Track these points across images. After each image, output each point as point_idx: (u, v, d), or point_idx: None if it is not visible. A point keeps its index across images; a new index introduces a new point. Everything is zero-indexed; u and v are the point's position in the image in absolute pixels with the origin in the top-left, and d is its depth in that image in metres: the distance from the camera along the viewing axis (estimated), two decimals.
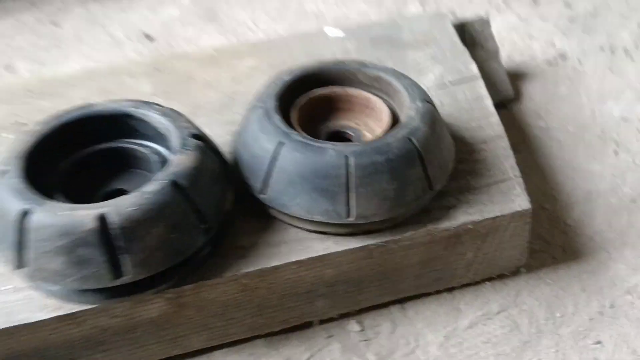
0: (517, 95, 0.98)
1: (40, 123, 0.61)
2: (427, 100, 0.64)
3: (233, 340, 0.65)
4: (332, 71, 0.69)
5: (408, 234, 0.61)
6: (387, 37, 0.88)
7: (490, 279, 0.70)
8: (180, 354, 0.64)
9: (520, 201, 0.65)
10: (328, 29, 0.93)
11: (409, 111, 0.62)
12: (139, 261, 0.53)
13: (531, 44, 1.11)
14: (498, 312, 0.68)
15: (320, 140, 0.60)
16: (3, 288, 0.58)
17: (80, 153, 0.63)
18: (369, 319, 0.68)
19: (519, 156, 0.82)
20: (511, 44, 1.11)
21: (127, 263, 0.53)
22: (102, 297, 0.56)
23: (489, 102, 0.77)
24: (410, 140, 0.59)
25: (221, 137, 0.71)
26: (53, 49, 1.15)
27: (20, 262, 0.54)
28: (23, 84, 0.85)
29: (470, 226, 0.63)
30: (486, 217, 0.63)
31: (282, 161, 0.59)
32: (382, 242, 0.61)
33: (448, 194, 0.65)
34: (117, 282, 0.53)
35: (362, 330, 0.67)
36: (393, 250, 0.62)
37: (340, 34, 0.92)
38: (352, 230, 0.61)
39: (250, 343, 0.66)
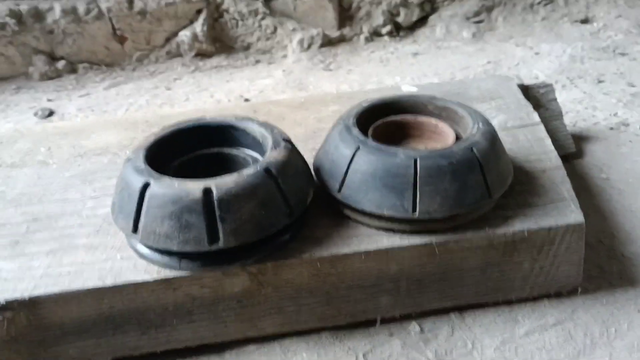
0: (580, 154, 1.04)
1: (162, 128, 0.74)
2: (488, 123, 0.73)
3: (303, 329, 0.71)
4: (405, 102, 0.79)
5: (468, 235, 0.68)
6: (455, 92, 0.99)
7: (547, 296, 0.74)
8: (254, 337, 0.71)
9: (574, 216, 0.70)
10: (404, 86, 1.05)
11: (471, 130, 0.71)
12: (231, 230, 0.62)
13: (595, 114, 1.18)
14: (554, 325, 0.71)
15: (391, 146, 0.69)
16: (117, 256, 0.68)
17: (189, 155, 0.75)
18: (429, 322, 0.73)
19: (580, 200, 0.88)
20: (575, 113, 1.19)
21: (222, 231, 0.62)
22: (197, 265, 0.65)
23: (548, 142, 0.85)
24: (471, 149, 0.67)
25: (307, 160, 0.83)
26: (165, 106, 1.33)
27: (136, 227, 0.64)
28: (142, 117, 1.00)
29: (525, 234, 0.68)
30: (541, 226, 0.69)
31: (357, 163, 0.68)
32: (443, 241, 0.67)
33: (507, 207, 0.72)
34: (213, 248, 0.62)
35: (421, 332, 0.72)
36: (453, 250, 0.68)
37: (413, 89, 1.04)
38: (417, 228, 0.68)
39: (318, 335, 0.72)
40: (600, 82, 1.30)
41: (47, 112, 1.34)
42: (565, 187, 0.75)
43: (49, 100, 1.40)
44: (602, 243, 0.83)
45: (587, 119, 1.17)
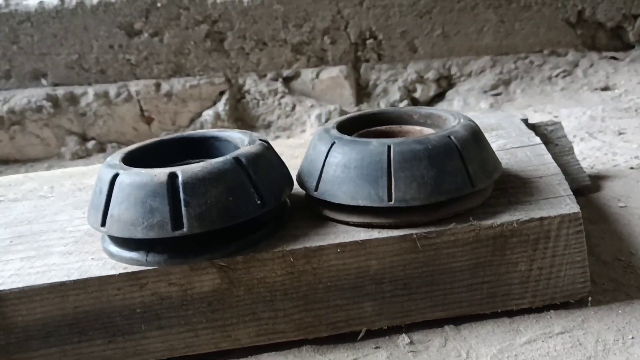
0: (597, 188, 0.99)
1: (145, 141, 0.76)
2: (471, 120, 0.70)
3: (281, 340, 0.66)
4: (390, 113, 0.78)
5: (450, 227, 0.63)
6: None
7: (554, 307, 0.67)
8: (229, 349, 0.66)
9: (569, 207, 0.65)
10: None
11: (452, 124, 0.69)
12: (196, 215, 0.60)
13: (614, 158, 1.13)
14: (560, 333, 0.63)
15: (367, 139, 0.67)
16: (89, 258, 0.66)
17: (169, 166, 0.75)
18: (420, 334, 0.66)
19: (596, 227, 0.83)
20: (594, 158, 1.15)
21: (187, 215, 0.60)
22: (164, 259, 0.63)
23: (548, 157, 0.81)
24: (449, 137, 0.65)
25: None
26: None
27: (104, 219, 0.63)
28: None
29: (515, 225, 0.63)
30: (532, 216, 0.64)
31: (332, 156, 0.66)
32: (424, 232, 0.63)
33: (497, 204, 0.67)
34: (177, 233, 0.60)
35: (411, 343, 0.65)
36: (438, 245, 0.63)
37: None
38: (396, 222, 0.64)
39: (298, 349, 0.66)
40: (621, 134, 1.26)
41: None
42: (562, 187, 0.70)
43: None
44: (619, 260, 0.76)
45: (606, 162, 1.12)
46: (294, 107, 1.58)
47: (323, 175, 0.67)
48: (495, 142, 0.88)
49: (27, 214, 0.83)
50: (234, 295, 0.64)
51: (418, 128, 0.76)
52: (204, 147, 0.76)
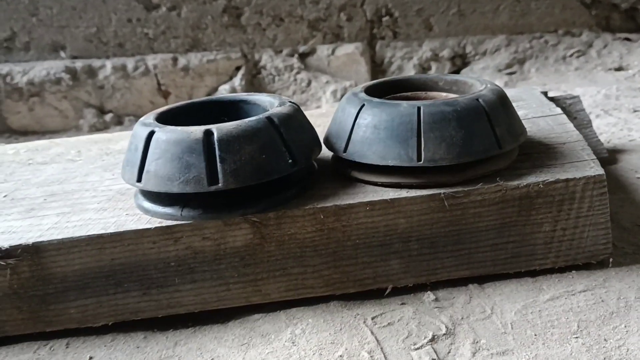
0: (614, 161, 1.00)
1: (177, 103, 0.77)
2: (497, 86, 0.72)
3: (310, 295, 0.68)
4: (416, 80, 0.80)
5: (478, 187, 0.65)
6: None
7: (575, 267, 0.68)
8: (259, 304, 0.68)
9: (594, 170, 0.66)
10: None
11: (479, 89, 0.70)
12: (231, 171, 0.62)
13: (630, 134, 1.14)
14: (583, 291, 0.65)
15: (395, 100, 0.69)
16: (123, 214, 0.68)
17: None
18: (445, 291, 0.68)
19: (615, 196, 0.84)
20: (610, 133, 1.16)
21: (222, 171, 0.62)
22: (198, 214, 0.64)
23: (570, 126, 0.82)
24: (477, 100, 0.66)
25: None
26: None
27: (140, 175, 0.65)
28: None
29: (541, 186, 0.65)
30: (557, 178, 0.65)
31: (362, 117, 0.68)
32: (452, 192, 0.65)
33: (523, 167, 0.69)
34: (212, 188, 0.62)
35: (436, 300, 0.67)
36: (465, 205, 0.65)
37: None
38: (425, 181, 0.66)
39: (326, 304, 0.68)
40: (635, 111, 1.27)
41: None
42: (585, 152, 0.72)
43: None
44: (638, 226, 0.77)
45: (622, 137, 1.13)
46: (309, 83, 1.59)
47: (352, 136, 0.68)
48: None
49: (58, 175, 0.85)
50: (265, 250, 0.66)
51: (444, 94, 0.77)
52: (233, 109, 0.77)
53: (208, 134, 0.63)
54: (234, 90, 1.58)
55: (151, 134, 0.65)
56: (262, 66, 1.61)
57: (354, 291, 0.68)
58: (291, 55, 1.62)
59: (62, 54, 1.56)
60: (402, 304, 0.67)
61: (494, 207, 0.66)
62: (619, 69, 1.61)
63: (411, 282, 0.68)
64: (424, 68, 1.64)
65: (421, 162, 0.64)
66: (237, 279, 0.67)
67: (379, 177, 0.67)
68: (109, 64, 1.56)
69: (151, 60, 1.57)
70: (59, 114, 1.57)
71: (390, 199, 0.65)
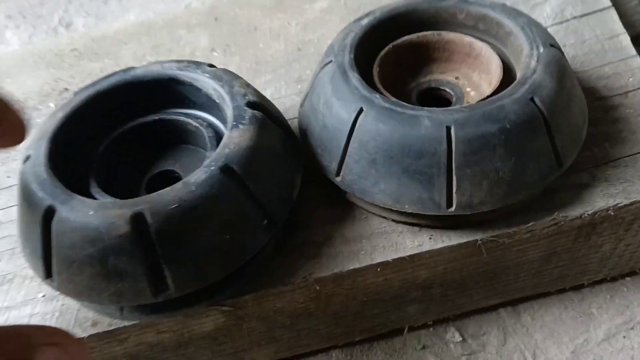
0: None
1: (75, 93, 0.51)
2: (553, 45, 0.48)
3: (305, 352, 0.54)
4: (424, 11, 0.54)
5: (528, 225, 0.47)
6: None
7: (631, 274, 0.55)
8: None
9: None
10: None
11: (529, 60, 0.47)
12: (185, 272, 0.41)
13: None
14: None
15: (412, 106, 0.45)
16: (39, 297, 0.49)
17: (120, 128, 0.52)
18: (472, 325, 0.55)
19: None
20: None
21: (171, 276, 0.41)
22: (146, 312, 0.46)
23: (626, 41, 0.60)
24: (532, 101, 0.44)
25: (289, 99, 0.61)
26: (112, 2, 1.06)
27: (49, 271, 0.44)
28: (69, 44, 0.75)
29: (611, 212, 0.47)
30: (634, 199, 0.47)
31: (362, 134, 0.45)
32: (492, 237, 0.47)
33: (579, 167, 0.50)
34: (160, 298, 0.42)
35: (463, 341, 0.54)
36: (507, 245, 0.48)
37: None
38: (453, 222, 0.47)
39: (326, 354, 0.54)
40: None
41: None
42: None
43: None
44: None
45: None
46: None
47: (348, 160, 0.47)
48: (548, 3, 0.65)
49: None
50: (244, 327, 0.49)
51: (466, 39, 0.53)
52: (160, 93, 0.52)
53: (137, 221, 0.40)
54: None
55: (49, 213, 0.42)
56: None
57: (360, 338, 0.54)
58: None
59: None
60: (422, 347, 0.54)
61: (544, 241, 0.49)
62: None
63: (431, 320, 0.54)
64: None
65: (452, 210, 0.44)
66: (210, 355, 0.51)
67: (390, 213, 0.48)
68: None
69: None
70: None
71: (409, 256, 0.47)
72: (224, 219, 0.42)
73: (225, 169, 0.42)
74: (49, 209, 0.42)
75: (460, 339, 0.54)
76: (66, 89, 0.70)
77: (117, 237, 0.40)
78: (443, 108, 0.45)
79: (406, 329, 0.54)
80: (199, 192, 0.41)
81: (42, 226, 0.42)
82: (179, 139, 0.53)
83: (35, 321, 0.47)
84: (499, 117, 0.43)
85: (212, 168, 0.42)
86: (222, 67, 0.53)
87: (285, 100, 0.62)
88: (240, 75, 0.51)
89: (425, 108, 0.45)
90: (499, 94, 0.45)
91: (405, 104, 0.46)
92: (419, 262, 0.47)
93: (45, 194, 0.43)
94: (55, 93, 0.70)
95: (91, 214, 0.41)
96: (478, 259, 0.48)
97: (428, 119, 0.43)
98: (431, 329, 0.55)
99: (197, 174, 0.42)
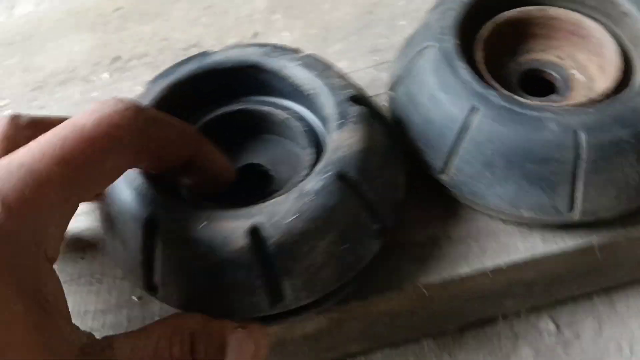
0: None
1: (150, 82, 0.48)
2: None
3: (396, 341, 0.53)
4: None
5: None
6: None
7: None
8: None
9: None
10: None
11: None
12: (302, 284, 0.40)
13: None
14: None
15: (532, 104, 0.42)
16: (128, 299, 0.47)
17: (202, 118, 0.49)
18: (565, 313, 0.54)
19: None
20: None
21: (290, 287, 0.40)
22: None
23: None
24: None
25: (366, 73, 0.57)
26: None
27: (149, 283, 0.42)
28: (111, 2, 0.71)
29: None
30: None
31: (476, 135, 0.43)
32: (609, 240, 0.45)
33: None
34: (276, 310, 0.41)
35: (557, 330, 0.53)
36: (620, 245, 0.46)
37: None
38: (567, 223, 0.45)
39: (417, 344, 0.54)
40: None
41: None
42: None
43: None
44: None
45: None
46: None
47: (458, 159, 0.44)
48: None
49: None
50: (343, 327, 0.48)
51: (574, 15, 0.49)
52: (241, 81, 0.49)
53: (255, 235, 0.38)
54: None
55: (152, 225, 0.40)
56: None
57: (452, 328, 0.54)
58: None
59: None
60: (515, 336, 0.53)
61: None
62: None
63: (524, 309, 0.54)
64: None
65: (574, 216, 0.42)
66: (307, 349, 0.51)
67: (500, 212, 0.46)
68: None
69: None
70: None
71: (524, 262, 0.45)
72: (341, 229, 0.40)
73: (342, 175, 0.40)
74: (151, 219, 0.40)
75: (555, 327, 0.53)
76: (119, 57, 0.66)
77: (233, 251, 0.38)
78: (566, 107, 0.42)
79: (500, 318, 0.53)
80: (318, 202, 0.39)
81: (143, 237, 0.40)
82: (262, 128, 0.50)
83: (135, 326, 0.46)
84: (633, 120, 0.40)
85: (329, 174, 0.40)
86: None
87: (362, 74, 0.58)
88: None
89: (547, 106, 0.42)
90: (627, 92, 0.42)
91: (524, 101, 0.43)
92: (531, 265, 0.46)
93: (143, 202, 0.40)
94: (106, 61, 0.66)
95: (202, 226, 0.39)
96: (589, 260, 0.47)
97: (554, 123, 0.41)
98: (524, 317, 0.54)
99: (313, 181, 0.40)
